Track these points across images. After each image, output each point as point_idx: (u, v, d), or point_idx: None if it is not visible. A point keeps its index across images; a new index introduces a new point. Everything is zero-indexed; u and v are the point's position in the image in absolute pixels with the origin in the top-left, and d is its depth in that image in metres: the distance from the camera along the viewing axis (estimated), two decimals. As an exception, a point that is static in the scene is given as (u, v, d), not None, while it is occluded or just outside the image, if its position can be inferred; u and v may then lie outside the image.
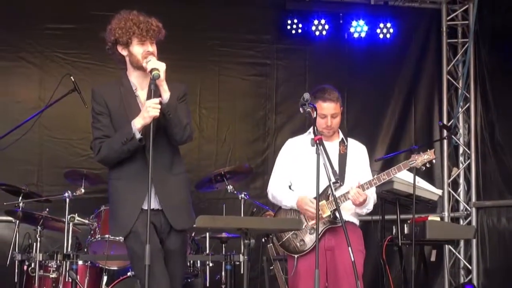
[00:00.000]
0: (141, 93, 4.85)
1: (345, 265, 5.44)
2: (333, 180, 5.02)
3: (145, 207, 4.73)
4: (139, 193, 4.75)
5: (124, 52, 4.86)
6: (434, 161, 5.87)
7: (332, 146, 5.74)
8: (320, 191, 5.27)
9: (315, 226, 5.48)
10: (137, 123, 4.64)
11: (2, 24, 8.88)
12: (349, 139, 5.92)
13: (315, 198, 5.32)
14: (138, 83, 4.86)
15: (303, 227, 5.62)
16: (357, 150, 5.92)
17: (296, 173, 5.75)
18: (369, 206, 5.78)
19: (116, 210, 4.88)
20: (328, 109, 5.70)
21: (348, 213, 5.72)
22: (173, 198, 4.89)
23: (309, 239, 5.62)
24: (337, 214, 5.45)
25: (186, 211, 5.00)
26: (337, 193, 5.58)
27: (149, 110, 4.60)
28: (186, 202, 5.03)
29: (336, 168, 5.57)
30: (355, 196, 5.55)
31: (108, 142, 4.76)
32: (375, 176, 5.71)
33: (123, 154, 4.72)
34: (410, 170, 6.10)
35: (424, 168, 5.86)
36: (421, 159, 5.80)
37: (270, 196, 5.91)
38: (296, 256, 5.64)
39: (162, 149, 4.80)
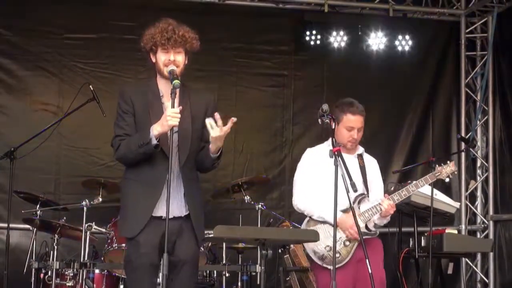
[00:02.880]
0: (167, 103, 4.85)
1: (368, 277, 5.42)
2: (351, 191, 5.00)
3: (155, 214, 4.76)
4: (151, 199, 4.77)
5: (153, 59, 4.91)
6: (456, 172, 5.92)
7: (352, 159, 5.76)
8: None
9: (350, 239, 5.61)
10: (155, 130, 4.66)
11: (22, 34, 8.95)
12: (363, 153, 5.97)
13: (343, 210, 5.47)
14: (164, 90, 4.88)
15: (338, 238, 5.61)
16: (371, 164, 5.99)
17: (319, 184, 5.73)
18: (388, 218, 5.86)
19: (127, 211, 4.89)
20: (356, 123, 5.78)
21: (371, 225, 5.79)
22: (197, 207, 4.93)
23: (346, 252, 5.65)
24: (370, 226, 5.69)
25: (202, 221, 5.01)
26: (365, 206, 5.62)
27: (169, 119, 4.62)
28: (202, 214, 5.03)
29: (360, 180, 5.65)
30: (388, 208, 5.59)
31: (126, 141, 4.78)
32: (404, 188, 5.77)
33: (138, 156, 4.74)
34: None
35: (448, 179, 5.93)
36: (445, 171, 5.92)
37: (300, 207, 5.86)
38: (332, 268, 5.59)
39: (190, 164, 4.88)
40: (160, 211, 4.78)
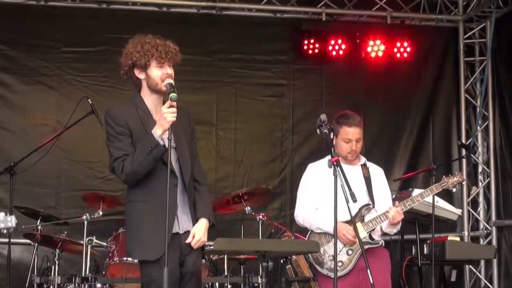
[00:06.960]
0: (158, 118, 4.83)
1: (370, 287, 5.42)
2: (351, 201, 4.98)
3: (174, 231, 4.77)
4: (170, 219, 4.65)
5: (141, 76, 4.85)
6: (464, 183, 5.95)
7: (355, 170, 5.78)
8: (354, 213, 5.43)
9: (352, 248, 5.62)
10: (158, 131, 4.66)
11: (20, 48, 8.96)
12: (367, 162, 5.95)
13: (346, 222, 5.49)
14: (153, 107, 4.86)
15: (341, 248, 5.62)
16: (377, 174, 5.98)
17: (321, 197, 5.73)
18: (398, 227, 5.89)
19: (143, 234, 4.80)
20: (353, 134, 5.77)
21: (377, 234, 5.80)
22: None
23: (348, 261, 5.65)
24: (374, 236, 5.71)
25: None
26: (370, 216, 5.64)
27: (166, 116, 4.62)
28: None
29: (364, 190, 5.71)
30: (395, 215, 5.62)
31: (130, 158, 4.74)
32: (410, 198, 5.83)
33: (149, 165, 4.71)
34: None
35: (454, 190, 5.97)
36: (451, 181, 5.95)
37: (300, 220, 5.87)
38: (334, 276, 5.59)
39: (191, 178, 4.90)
40: (175, 228, 4.79)
